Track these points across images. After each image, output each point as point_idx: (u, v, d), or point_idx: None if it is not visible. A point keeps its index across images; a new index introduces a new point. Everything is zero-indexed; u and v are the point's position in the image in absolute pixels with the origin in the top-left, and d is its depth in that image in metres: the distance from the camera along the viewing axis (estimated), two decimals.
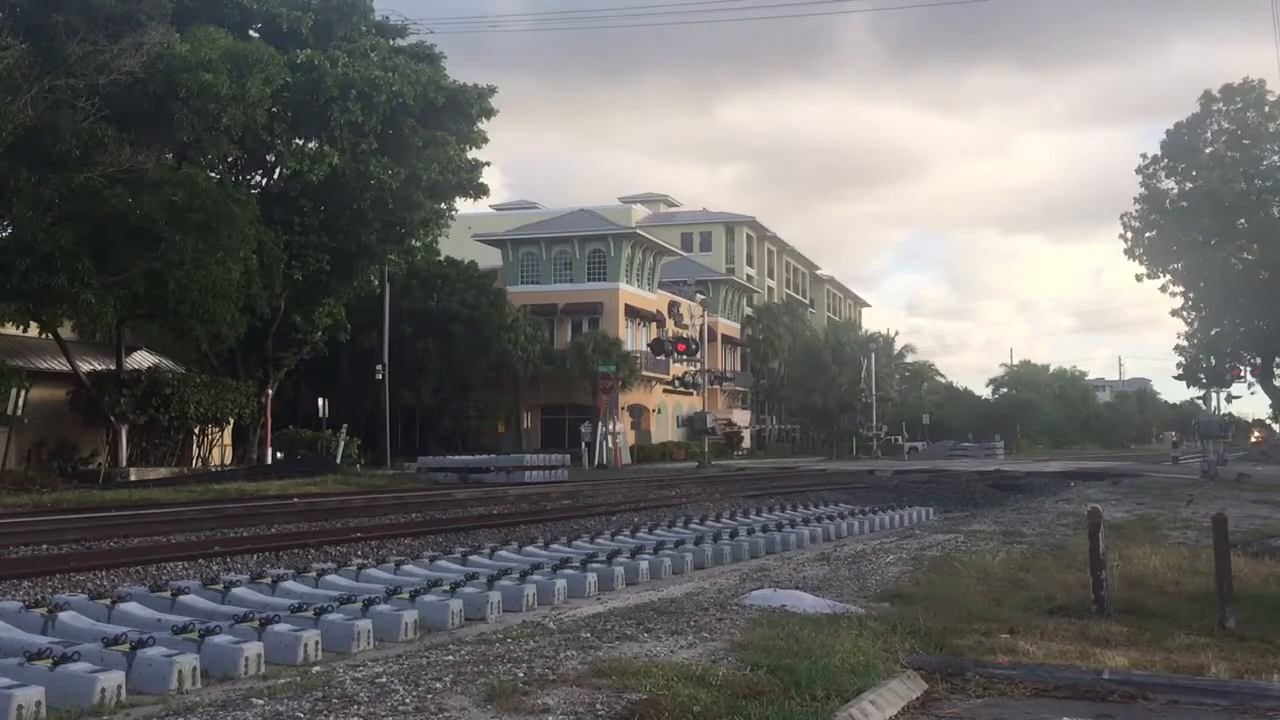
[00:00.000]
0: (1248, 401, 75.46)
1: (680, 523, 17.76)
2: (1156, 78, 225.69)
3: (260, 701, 5.79)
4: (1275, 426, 74.69)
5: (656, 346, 56.50)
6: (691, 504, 23.83)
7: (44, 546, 14.93)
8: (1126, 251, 50.62)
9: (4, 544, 14.76)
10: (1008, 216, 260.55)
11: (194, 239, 30.79)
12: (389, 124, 37.51)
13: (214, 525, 18.21)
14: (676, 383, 58.43)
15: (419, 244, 45.26)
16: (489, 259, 63.65)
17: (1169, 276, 50.26)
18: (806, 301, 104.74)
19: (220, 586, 10.03)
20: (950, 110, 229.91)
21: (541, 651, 7.19)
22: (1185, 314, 51.51)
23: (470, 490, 30.26)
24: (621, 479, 38.34)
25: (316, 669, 7.05)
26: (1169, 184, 49.99)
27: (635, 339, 65.58)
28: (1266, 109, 48.55)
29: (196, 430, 38.43)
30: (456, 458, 39.60)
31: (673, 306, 64.92)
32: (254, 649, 7.32)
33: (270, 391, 41.40)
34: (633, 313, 65.68)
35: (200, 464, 38.12)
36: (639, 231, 69.43)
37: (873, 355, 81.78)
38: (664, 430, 68.79)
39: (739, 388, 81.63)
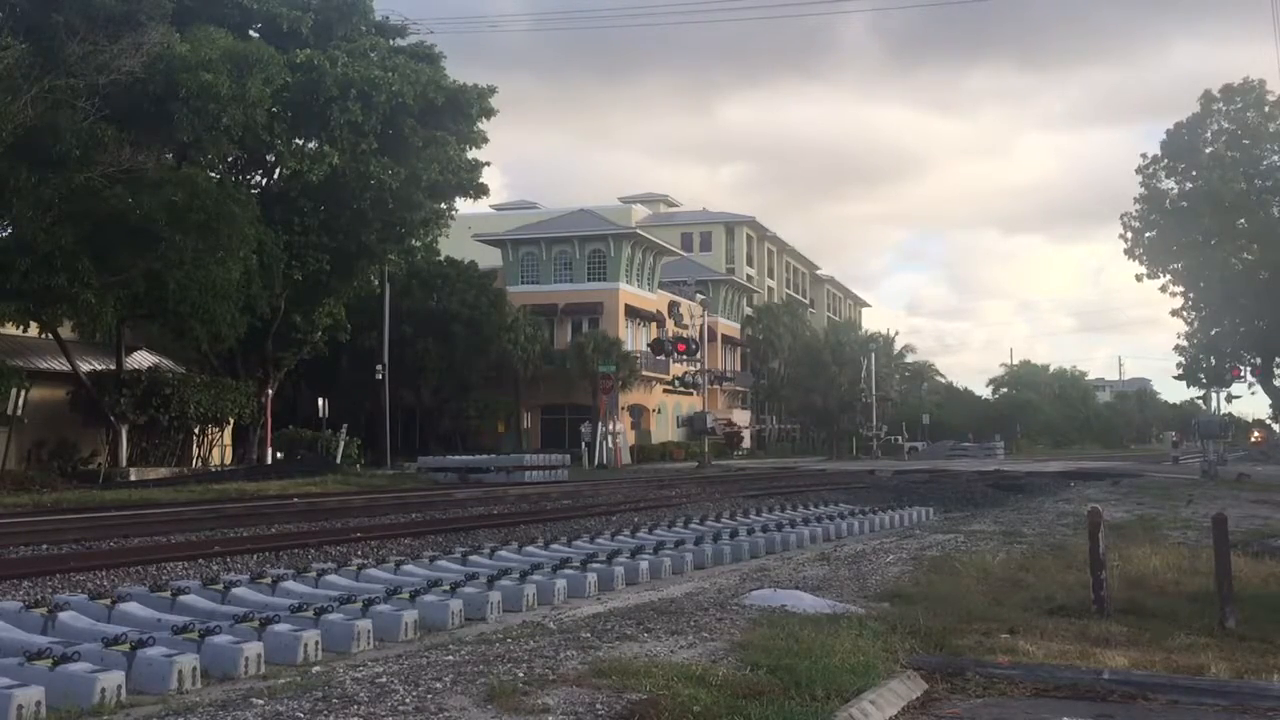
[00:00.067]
0: (1248, 401, 75.58)
1: (680, 523, 17.76)
2: (1156, 78, 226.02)
3: (260, 701, 5.79)
4: (1275, 426, 74.70)
5: (656, 346, 56.49)
6: (691, 504, 23.82)
7: (44, 546, 14.93)
8: (1126, 251, 50.66)
9: (4, 544, 14.76)
10: (1008, 216, 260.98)
11: (194, 239, 30.81)
12: (389, 124, 37.51)
13: (214, 525, 18.21)
14: (676, 383, 58.42)
15: (419, 244, 45.30)
16: (489, 259, 63.63)
17: (1169, 276, 50.25)
18: (806, 301, 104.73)
19: (220, 586, 10.04)
20: (950, 110, 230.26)
21: (541, 651, 7.19)
22: (1185, 314, 51.50)
23: (470, 490, 30.26)
24: (621, 479, 38.33)
25: (316, 669, 7.05)
26: (1169, 184, 50.00)
27: (635, 339, 65.56)
28: (1266, 109, 48.52)
29: (196, 430, 38.46)
30: (456, 458, 39.59)
31: (673, 306, 64.89)
32: (254, 649, 7.33)
33: (270, 391, 41.43)
34: (633, 313, 65.66)
35: (200, 464, 38.13)
36: (639, 231, 69.41)
37: (873, 355, 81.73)
38: (664, 430, 68.77)
39: (739, 388, 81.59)
